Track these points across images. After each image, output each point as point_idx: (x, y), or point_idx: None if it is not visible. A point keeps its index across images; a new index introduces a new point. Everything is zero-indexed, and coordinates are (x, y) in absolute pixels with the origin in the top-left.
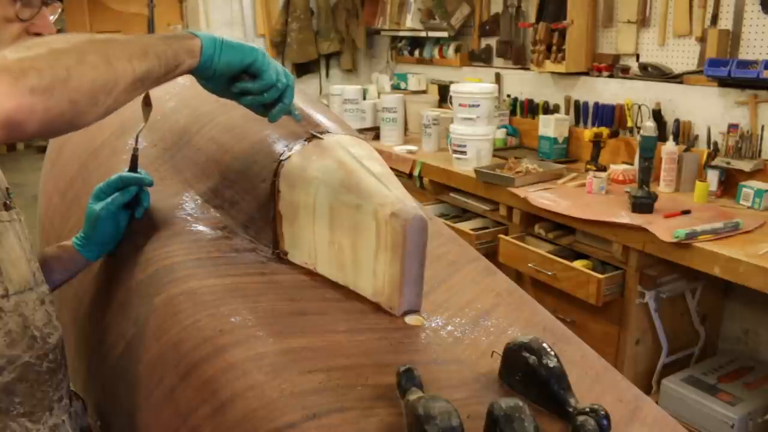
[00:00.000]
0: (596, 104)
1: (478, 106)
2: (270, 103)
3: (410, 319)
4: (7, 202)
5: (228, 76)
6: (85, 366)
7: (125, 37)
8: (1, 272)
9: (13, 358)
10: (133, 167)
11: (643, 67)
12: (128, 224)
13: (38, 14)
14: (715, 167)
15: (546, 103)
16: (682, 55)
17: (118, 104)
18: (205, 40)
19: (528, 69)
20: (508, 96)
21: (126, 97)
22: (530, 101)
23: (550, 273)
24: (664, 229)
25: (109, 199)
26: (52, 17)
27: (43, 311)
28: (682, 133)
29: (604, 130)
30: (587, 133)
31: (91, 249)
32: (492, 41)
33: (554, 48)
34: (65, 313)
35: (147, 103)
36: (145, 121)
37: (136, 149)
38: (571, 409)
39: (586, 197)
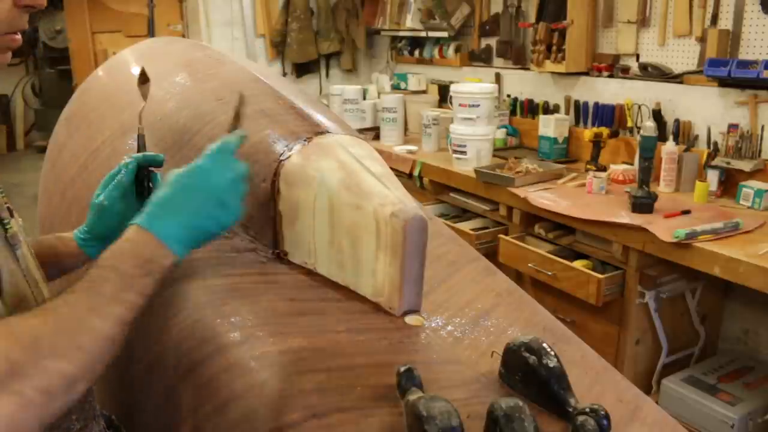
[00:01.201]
0: (596, 104)
1: (478, 106)
2: None
3: (410, 319)
4: (9, 206)
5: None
6: None
7: (114, 328)
8: (37, 284)
9: None
10: (141, 149)
11: (643, 67)
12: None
13: None
14: (715, 167)
15: (546, 103)
16: (682, 55)
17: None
18: (180, 251)
19: (528, 69)
20: (508, 96)
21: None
22: (530, 101)
23: (550, 273)
24: (664, 229)
25: (111, 185)
26: None
27: None
28: (682, 133)
29: (604, 130)
30: (587, 133)
31: (93, 244)
32: (492, 41)
33: (554, 48)
34: None
35: (143, 81)
36: (144, 99)
37: (141, 128)
38: (571, 409)
39: (586, 197)
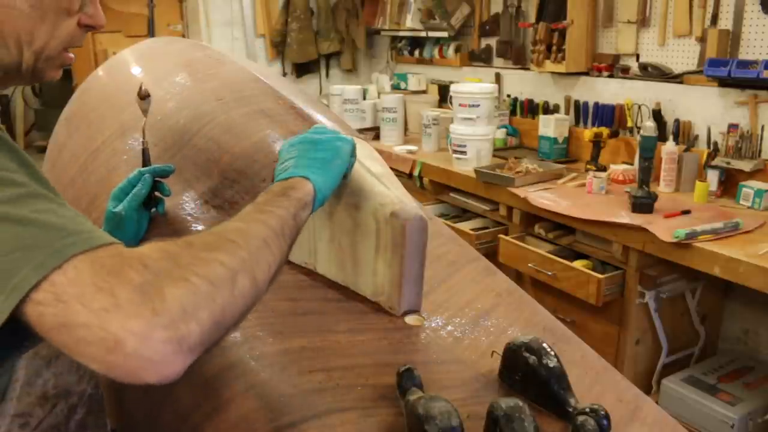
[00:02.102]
0: (596, 104)
1: (478, 106)
2: None
3: (410, 319)
4: None
5: None
6: None
7: (252, 219)
8: None
9: (81, 392)
10: (146, 163)
11: (643, 67)
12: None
13: (92, 3)
14: (715, 167)
15: (546, 103)
16: (682, 55)
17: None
18: (318, 186)
19: (528, 69)
20: (508, 96)
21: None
22: (530, 101)
23: (550, 273)
24: (664, 229)
25: (129, 197)
26: None
27: None
28: (682, 133)
29: (604, 130)
30: (587, 133)
31: None
32: (492, 41)
33: (554, 48)
34: None
35: (143, 96)
36: (144, 115)
37: (145, 142)
38: (571, 409)
39: (586, 197)
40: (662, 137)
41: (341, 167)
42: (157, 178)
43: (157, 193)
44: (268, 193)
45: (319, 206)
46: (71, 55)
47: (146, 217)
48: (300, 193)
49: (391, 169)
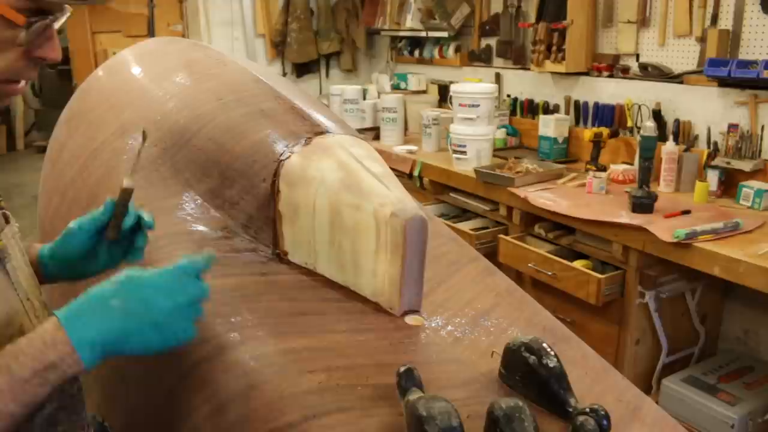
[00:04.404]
0: (596, 104)
1: (478, 106)
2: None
3: (410, 319)
4: (6, 212)
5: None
6: None
7: None
8: (27, 297)
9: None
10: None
11: (643, 67)
12: (108, 263)
13: (45, 36)
14: (715, 167)
15: (546, 103)
16: (682, 55)
17: None
18: (84, 354)
19: (528, 69)
20: (508, 96)
21: None
22: (530, 101)
23: (550, 273)
24: (664, 229)
25: (87, 216)
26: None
27: None
28: (682, 133)
29: (604, 130)
30: (587, 133)
31: (51, 263)
32: (492, 41)
33: (554, 48)
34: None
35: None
36: (137, 156)
37: (130, 187)
38: (571, 409)
39: (586, 197)
40: (662, 137)
41: (152, 322)
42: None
43: (113, 226)
44: (32, 362)
45: (97, 362)
46: (18, 86)
47: (104, 247)
48: (61, 377)
49: (391, 169)
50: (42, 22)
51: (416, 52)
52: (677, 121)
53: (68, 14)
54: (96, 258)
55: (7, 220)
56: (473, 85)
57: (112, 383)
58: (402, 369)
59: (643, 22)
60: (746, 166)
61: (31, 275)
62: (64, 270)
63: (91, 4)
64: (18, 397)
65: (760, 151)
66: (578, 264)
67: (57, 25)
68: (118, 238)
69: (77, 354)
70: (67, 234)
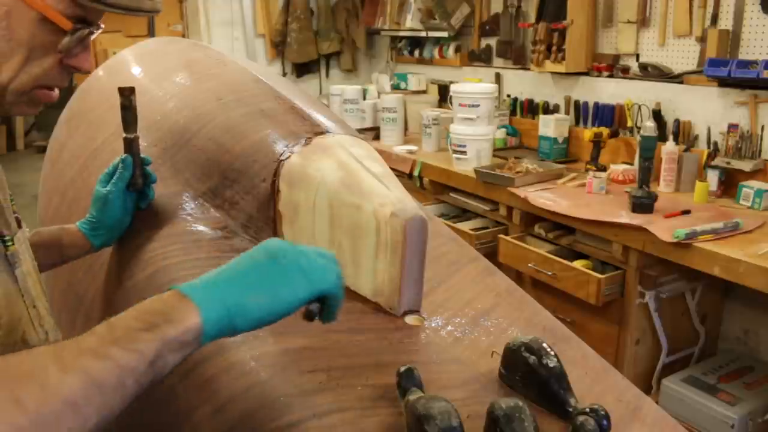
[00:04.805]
0: (596, 104)
1: (478, 106)
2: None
3: (410, 319)
4: (18, 216)
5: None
6: None
7: (70, 361)
8: (34, 304)
9: None
10: (128, 152)
11: (643, 67)
12: (134, 213)
13: (82, 49)
14: (715, 167)
15: (546, 103)
16: (682, 55)
17: None
18: (209, 313)
19: (528, 69)
20: (508, 96)
21: None
22: (530, 101)
23: (550, 273)
24: (664, 229)
25: (115, 178)
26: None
27: (51, 320)
28: (682, 133)
29: (604, 130)
30: (587, 133)
31: (99, 234)
32: (492, 41)
33: (554, 48)
34: (64, 313)
35: (126, 94)
36: (129, 111)
37: (135, 136)
38: (571, 409)
39: (586, 197)
40: (662, 137)
41: (287, 300)
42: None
43: (138, 176)
44: (138, 312)
45: (210, 340)
46: (52, 92)
47: (132, 198)
48: (177, 329)
49: (391, 169)
50: (84, 30)
51: (416, 52)
52: (677, 121)
53: (102, 28)
54: (126, 214)
55: (19, 225)
56: (473, 85)
57: None
58: (402, 369)
59: (643, 22)
60: (746, 166)
61: (39, 281)
62: (109, 235)
63: (136, 15)
64: (119, 341)
65: (760, 151)
66: (578, 264)
67: (93, 37)
68: (143, 186)
69: (193, 306)
70: (104, 202)
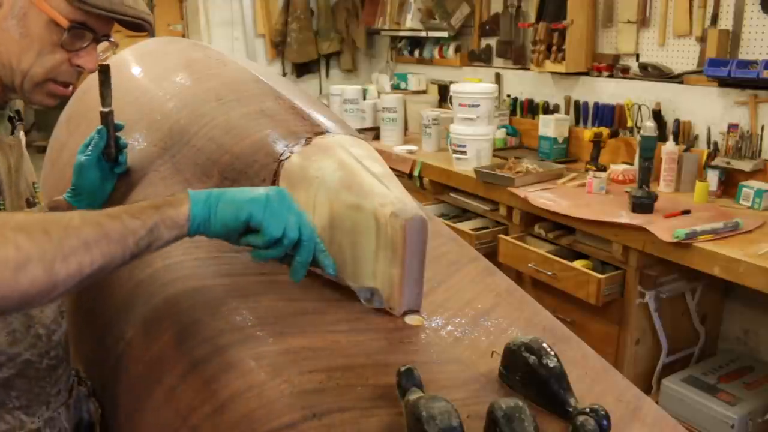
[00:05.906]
0: (596, 104)
1: (478, 106)
2: (287, 258)
3: (410, 319)
4: (31, 198)
5: (232, 233)
6: (85, 356)
7: (89, 218)
8: None
9: (13, 355)
10: (104, 123)
11: (643, 67)
12: (115, 180)
13: (86, 48)
14: (715, 167)
15: (546, 103)
16: (682, 55)
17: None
18: (195, 206)
19: (528, 69)
20: (508, 96)
21: (77, 286)
22: (530, 101)
23: (550, 273)
24: (664, 229)
25: (90, 148)
26: (104, 54)
27: (53, 308)
28: (682, 133)
29: (604, 130)
30: (587, 133)
31: (81, 199)
32: (492, 41)
33: (554, 48)
34: (66, 299)
35: (103, 69)
36: (105, 85)
37: (109, 110)
38: (571, 409)
39: (586, 197)
40: (662, 137)
41: (246, 208)
42: (116, 133)
43: (111, 146)
44: (149, 201)
45: (195, 234)
46: (66, 88)
47: (109, 166)
48: (174, 210)
49: (391, 169)
50: (82, 32)
51: (416, 52)
52: (677, 121)
53: (111, 39)
54: (105, 180)
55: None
56: (473, 85)
57: (112, 384)
58: (402, 369)
59: (643, 22)
60: (746, 166)
61: None
62: (90, 199)
63: (135, 32)
64: (126, 211)
65: (760, 151)
66: (578, 264)
67: (98, 45)
68: (116, 156)
69: (192, 221)
70: (80, 169)
